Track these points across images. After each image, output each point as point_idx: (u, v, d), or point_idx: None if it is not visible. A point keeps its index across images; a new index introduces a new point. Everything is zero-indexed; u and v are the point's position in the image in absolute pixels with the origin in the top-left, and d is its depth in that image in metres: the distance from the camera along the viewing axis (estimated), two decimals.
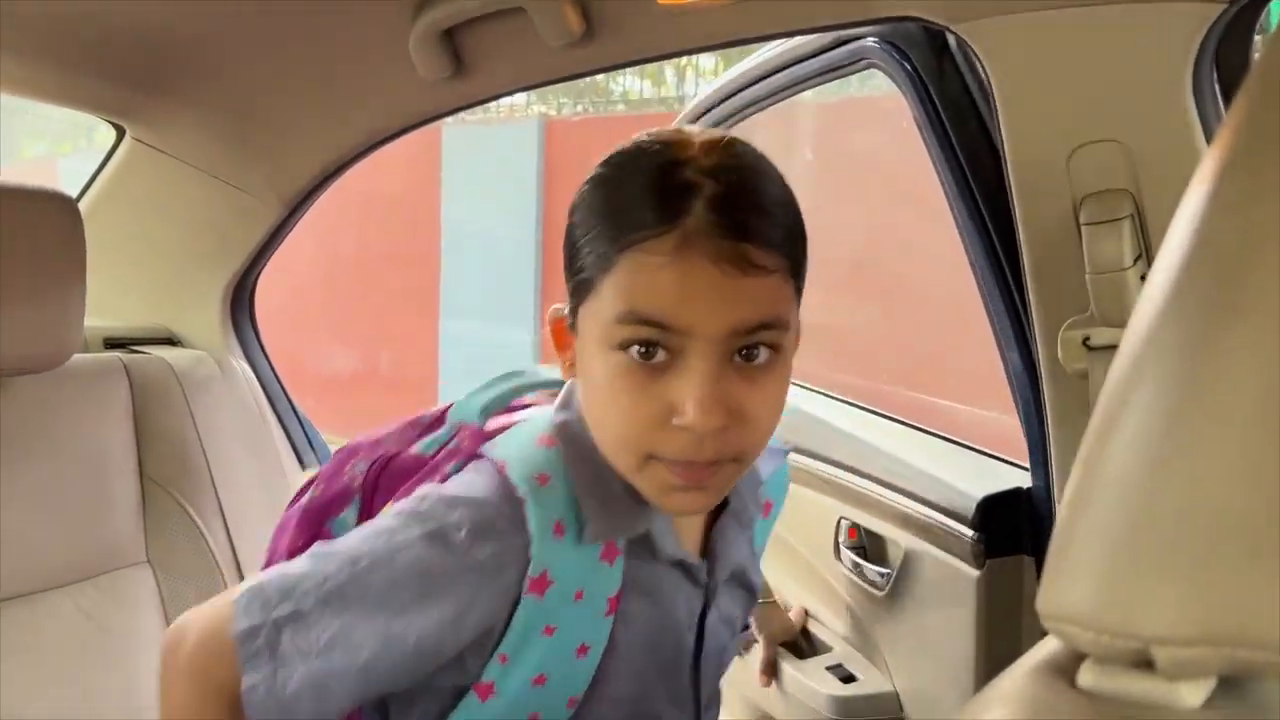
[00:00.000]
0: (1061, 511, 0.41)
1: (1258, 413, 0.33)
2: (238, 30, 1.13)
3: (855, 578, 1.24)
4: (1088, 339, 0.85)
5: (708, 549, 0.79)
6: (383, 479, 0.81)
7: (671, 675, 0.80)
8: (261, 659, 0.67)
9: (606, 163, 0.69)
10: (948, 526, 1.06)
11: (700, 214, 0.63)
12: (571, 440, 0.73)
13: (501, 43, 1.04)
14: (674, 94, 4.99)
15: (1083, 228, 0.83)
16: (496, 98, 1.15)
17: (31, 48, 1.15)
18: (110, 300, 1.44)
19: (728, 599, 0.83)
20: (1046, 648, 0.42)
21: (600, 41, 0.99)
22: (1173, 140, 0.80)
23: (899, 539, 1.15)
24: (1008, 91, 0.83)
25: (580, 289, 0.68)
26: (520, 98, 4.73)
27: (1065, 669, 0.40)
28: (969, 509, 1.03)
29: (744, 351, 0.66)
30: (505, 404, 0.83)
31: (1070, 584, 0.38)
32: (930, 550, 1.09)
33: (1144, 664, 0.36)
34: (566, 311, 0.72)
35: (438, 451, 0.80)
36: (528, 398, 0.84)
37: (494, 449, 0.74)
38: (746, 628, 1.07)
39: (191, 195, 1.38)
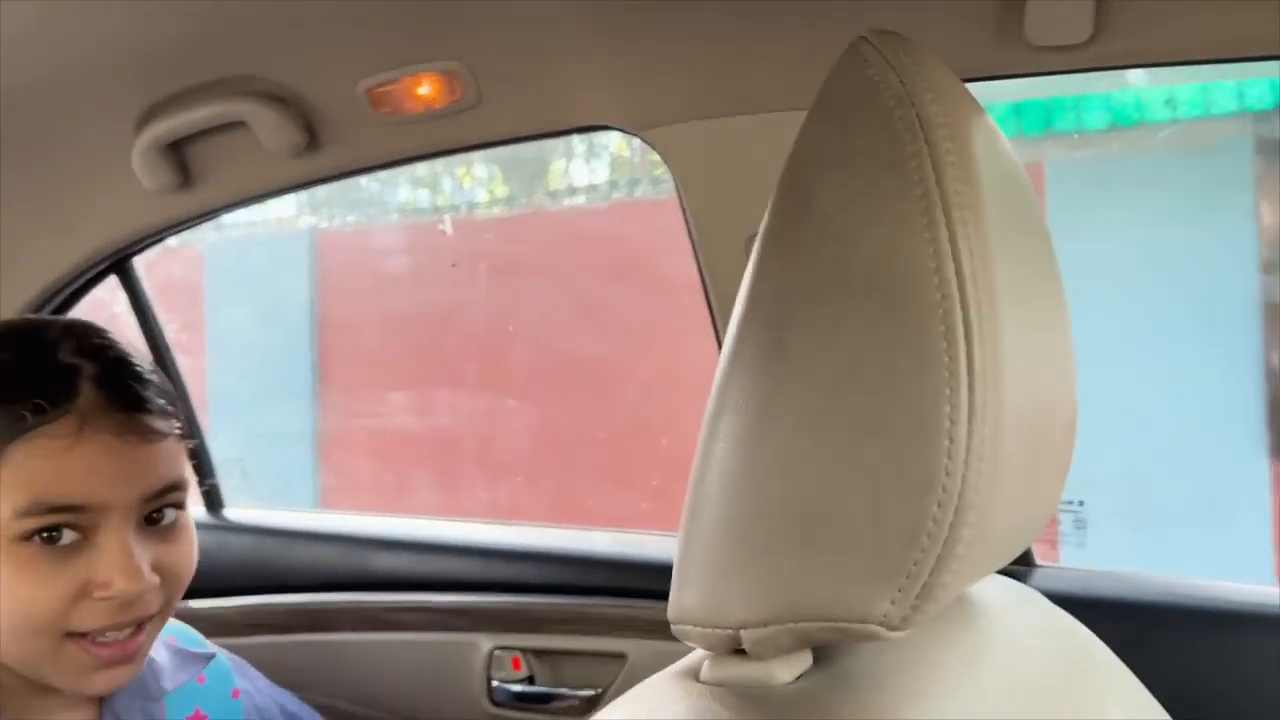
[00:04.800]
0: (680, 532, 0.47)
1: (799, 429, 0.41)
2: None
3: (535, 716, 1.10)
4: None
5: None
6: None
7: None
8: None
9: None
10: None
11: (90, 394, 0.65)
12: None
13: (228, 155, 1.06)
14: (449, 201, 5.06)
15: None
16: (228, 209, 1.16)
17: None
18: None
19: None
20: (686, 658, 0.49)
21: (325, 151, 1.03)
22: None
23: (606, 648, 1.07)
24: (690, 186, 0.94)
25: None
26: (289, 208, 4.66)
27: (695, 669, 0.46)
28: None
29: (151, 516, 0.68)
30: None
31: (686, 590, 0.45)
32: (670, 648, 1.04)
33: (742, 650, 0.43)
34: None
35: None
36: None
37: None
38: None
39: None
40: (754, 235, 0.93)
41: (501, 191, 4.33)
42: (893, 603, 0.38)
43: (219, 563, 1.28)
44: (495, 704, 1.10)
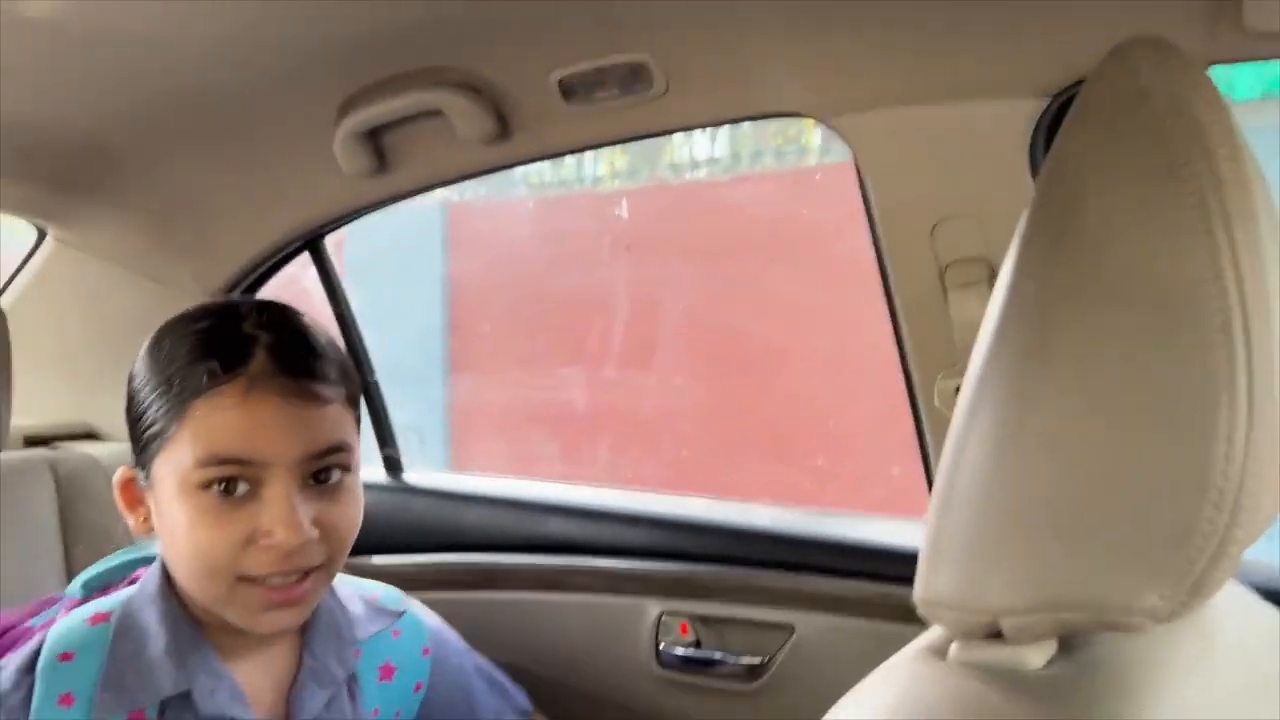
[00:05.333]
0: (929, 518, 0.50)
1: (1063, 427, 0.43)
2: (164, 131, 1.18)
3: (701, 679, 1.13)
4: (959, 388, 0.97)
5: (288, 710, 0.82)
6: None
7: None
8: None
9: (163, 331, 0.77)
10: (875, 591, 1.02)
11: (262, 360, 0.72)
12: (127, 613, 0.78)
13: (422, 142, 1.13)
14: (574, 175, 5.13)
15: (948, 290, 0.95)
16: (418, 192, 1.23)
17: None
18: (28, 398, 1.45)
19: None
20: (926, 636, 0.52)
21: (515, 139, 1.08)
22: (1017, 213, 0.93)
23: (773, 619, 1.09)
24: (875, 175, 0.95)
25: (151, 444, 0.75)
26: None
27: (939, 650, 0.49)
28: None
29: (318, 475, 0.74)
30: (119, 577, 0.87)
31: (937, 575, 0.47)
32: (839, 622, 1.04)
33: (996, 635, 0.45)
34: (134, 472, 0.78)
35: (44, 624, 0.82)
36: (141, 571, 0.86)
37: (51, 626, 0.79)
38: None
39: (114, 292, 1.42)
40: (939, 223, 0.94)
41: (621, 165, 4.36)
42: (1161, 597, 0.40)
43: (399, 523, 1.36)
44: (663, 666, 1.14)
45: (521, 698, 1.07)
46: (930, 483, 1.08)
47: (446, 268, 4.26)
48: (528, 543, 1.28)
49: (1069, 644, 0.47)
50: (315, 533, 0.73)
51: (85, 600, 0.83)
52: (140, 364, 0.77)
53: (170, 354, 0.74)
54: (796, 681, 1.08)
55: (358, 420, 0.79)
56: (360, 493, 0.79)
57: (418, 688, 0.94)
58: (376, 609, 0.91)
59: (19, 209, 1.34)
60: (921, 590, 0.48)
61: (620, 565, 1.20)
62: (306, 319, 0.79)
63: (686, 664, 1.14)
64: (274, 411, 0.72)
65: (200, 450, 0.72)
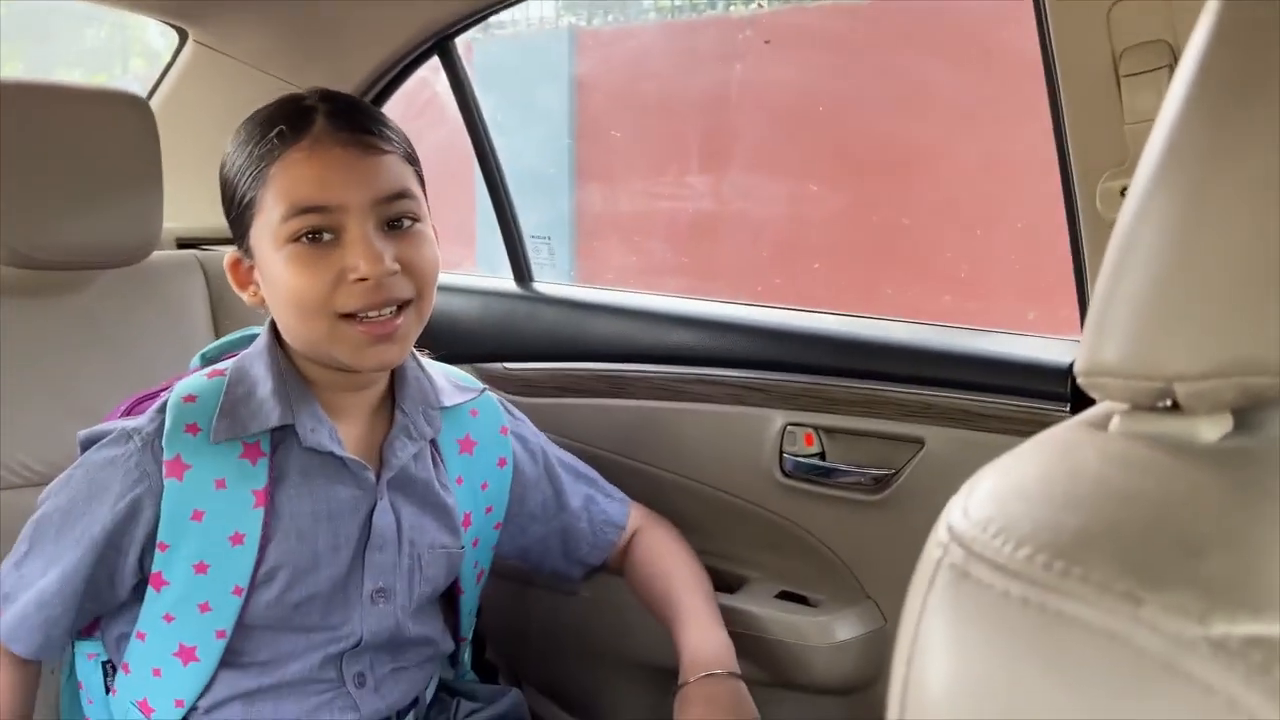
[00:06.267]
0: (1098, 287, 0.46)
1: (1263, 180, 0.38)
2: None
3: (825, 489, 1.13)
4: (1125, 189, 0.89)
5: (380, 459, 0.92)
6: (131, 414, 0.94)
7: (335, 563, 0.90)
8: (6, 602, 0.89)
9: (241, 124, 0.88)
10: (1013, 406, 1.01)
11: (321, 123, 0.83)
12: (239, 367, 0.90)
13: None
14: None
15: (1122, 80, 0.86)
16: None
17: None
18: (178, 202, 1.51)
19: (413, 513, 0.94)
20: (1080, 416, 0.48)
21: None
22: None
23: (902, 431, 1.07)
24: None
25: (245, 214, 0.85)
26: (549, 9, 4.70)
27: (1099, 422, 0.45)
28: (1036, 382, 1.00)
29: (391, 223, 0.84)
30: (232, 350, 0.97)
31: (1105, 343, 0.44)
32: (973, 437, 1.03)
33: (1168, 407, 0.42)
34: (239, 254, 0.89)
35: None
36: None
37: (178, 383, 0.91)
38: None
39: (253, 96, 1.43)
40: (1117, 1, 0.85)
41: None
42: None
43: (528, 330, 1.39)
44: (785, 474, 1.15)
45: (616, 491, 1.12)
46: (1082, 294, 1.02)
47: (574, 69, 4.12)
48: (652, 353, 1.28)
49: (1245, 420, 0.43)
50: (396, 267, 0.82)
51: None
52: (227, 155, 0.88)
53: (247, 136, 0.86)
54: (923, 495, 1.06)
55: (420, 178, 0.88)
56: (434, 240, 0.88)
57: (501, 463, 1.03)
58: (457, 385, 1.00)
59: (156, 10, 1.36)
60: (1085, 362, 0.44)
61: (745, 375, 1.19)
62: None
63: (810, 472, 1.13)
64: (339, 160, 0.82)
65: (284, 205, 0.82)
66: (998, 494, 0.40)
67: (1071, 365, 1.01)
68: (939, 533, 0.38)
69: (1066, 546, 0.33)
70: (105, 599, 0.89)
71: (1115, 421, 0.45)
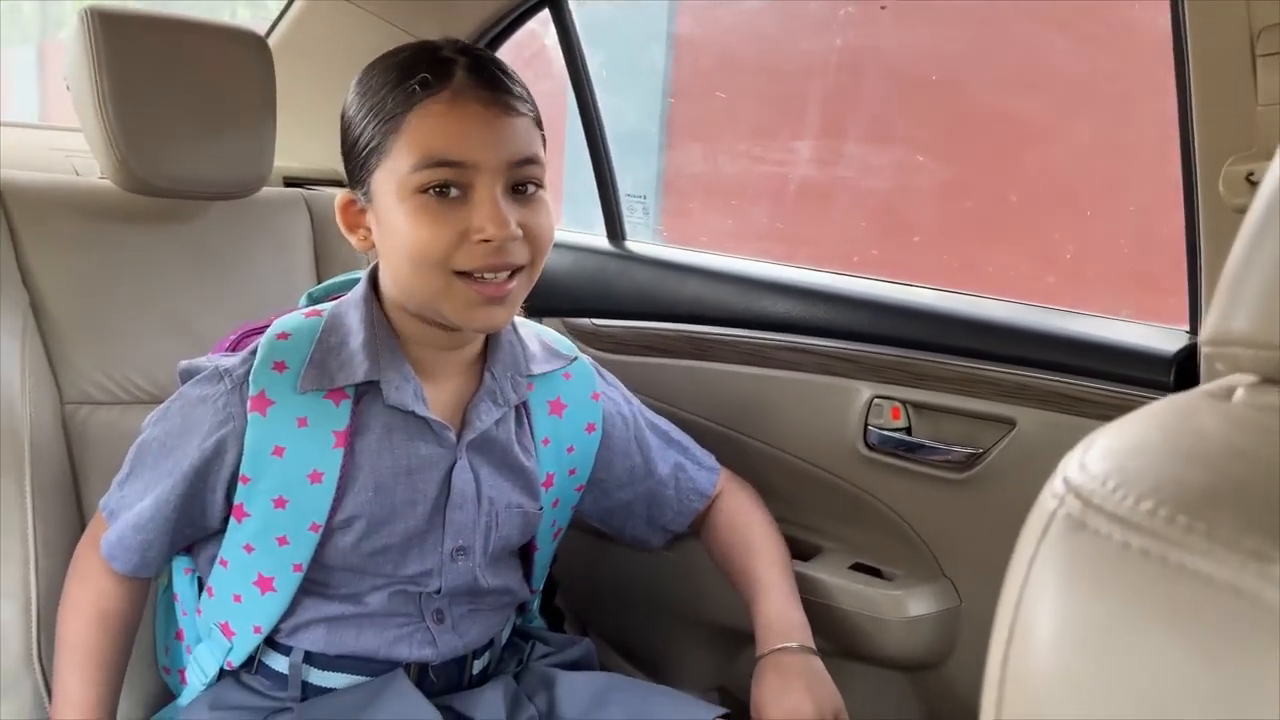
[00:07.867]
0: (1234, 254, 0.45)
1: None
2: None
3: (909, 464, 1.12)
4: (1251, 174, 0.86)
5: (463, 421, 0.93)
6: (239, 346, 0.97)
7: (412, 517, 0.91)
8: (110, 518, 0.93)
9: (369, 67, 0.86)
10: (1112, 392, 0.99)
11: (462, 77, 0.82)
12: (336, 313, 0.90)
13: None
14: None
15: (1258, 59, 0.83)
16: None
17: None
18: (285, 141, 1.55)
19: (491, 473, 0.95)
20: (1200, 388, 0.47)
21: None
22: None
23: (994, 411, 1.06)
24: None
25: (368, 159, 0.83)
26: None
27: (1222, 394, 0.44)
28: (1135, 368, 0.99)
29: (517, 188, 0.83)
30: (339, 292, 0.98)
31: (1236, 310, 0.43)
32: (1067, 420, 1.01)
33: None
34: (352, 195, 0.87)
35: None
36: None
37: (276, 320, 0.92)
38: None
39: (366, 41, 1.46)
40: None
41: None
42: None
43: (619, 288, 1.40)
44: (870, 447, 1.14)
45: (708, 458, 1.12)
46: (1194, 281, 0.99)
47: (673, 27, 4.06)
48: (742, 318, 1.28)
49: None
50: (520, 232, 0.82)
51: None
52: (351, 95, 0.86)
53: (380, 80, 0.84)
54: (1012, 475, 1.05)
55: (544, 141, 0.87)
56: (550, 209, 0.87)
57: (590, 428, 1.03)
58: (552, 351, 1.00)
59: None
60: (1212, 330, 0.43)
61: (834, 345, 1.19)
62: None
63: (896, 447, 1.13)
64: (478, 118, 0.81)
65: (417, 154, 0.81)
66: (1116, 450, 0.39)
67: (1176, 353, 0.99)
68: (1054, 484, 0.37)
69: (1191, 502, 0.33)
70: (198, 526, 0.92)
71: (1240, 394, 0.44)
